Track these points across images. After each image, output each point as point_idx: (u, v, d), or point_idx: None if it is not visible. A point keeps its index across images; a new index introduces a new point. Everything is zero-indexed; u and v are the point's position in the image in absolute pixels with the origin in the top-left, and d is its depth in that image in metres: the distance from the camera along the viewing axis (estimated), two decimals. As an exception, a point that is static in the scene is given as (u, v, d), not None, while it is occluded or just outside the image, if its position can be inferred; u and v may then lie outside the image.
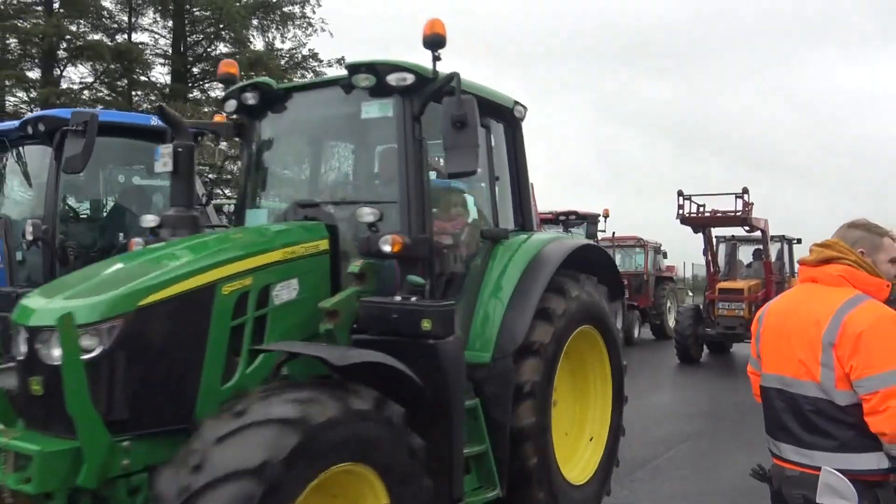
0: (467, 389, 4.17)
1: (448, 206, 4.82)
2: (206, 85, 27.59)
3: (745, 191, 13.84)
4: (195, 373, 3.41)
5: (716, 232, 15.64)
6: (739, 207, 14.03)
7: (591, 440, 5.29)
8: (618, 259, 20.75)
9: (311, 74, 28.14)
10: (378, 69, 4.18)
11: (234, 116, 4.97)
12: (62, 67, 24.36)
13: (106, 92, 25.04)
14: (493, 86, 4.95)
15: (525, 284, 4.56)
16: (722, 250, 16.58)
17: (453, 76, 3.97)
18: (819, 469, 2.62)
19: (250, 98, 4.72)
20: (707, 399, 11.43)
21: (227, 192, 24.54)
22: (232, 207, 13.91)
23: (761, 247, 15.51)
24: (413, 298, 3.93)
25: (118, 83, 25.38)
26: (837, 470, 2.58)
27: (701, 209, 14.47)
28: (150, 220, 4.43)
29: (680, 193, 14.16)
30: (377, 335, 3.86)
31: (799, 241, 16.70)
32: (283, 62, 27.33)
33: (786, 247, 16.58)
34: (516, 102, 5.20)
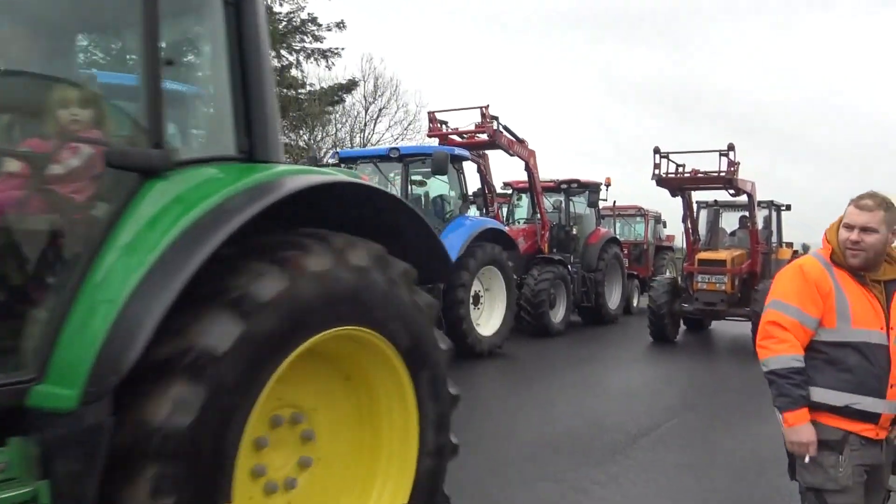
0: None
1: (49, 111, 2.71)
2: (204, 48, 27.22)
3: (731, 147, 11.94)
4: None
5: (697, 196, 13.98)
6: (724, 167, 12.11)
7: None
8: (618, 228, 20.72)
9: (310, 39, 27.79)
10: None
11: None
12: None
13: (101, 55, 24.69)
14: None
15: (179, 251, 2.40)
16: (703, 217, 14.55)
17: None
18: None
19: None
20: (706, 370, 11.44)
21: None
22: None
23: (747, 213, 13.67)
24: None
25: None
26: None
27: (680, 169, 12.64)
28: None
29: (656, 151, 12.38)
30: None
31: (788, 207, 14.80)
32: (281, 26, 26.93)
33: (774, 214, 14.48)
34: None
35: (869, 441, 3.02)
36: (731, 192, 12.73)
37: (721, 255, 13.19)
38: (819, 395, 3.02)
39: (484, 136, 13.21)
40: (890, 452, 3.13)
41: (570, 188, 15.87)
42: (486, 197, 12.83)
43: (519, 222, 16.10)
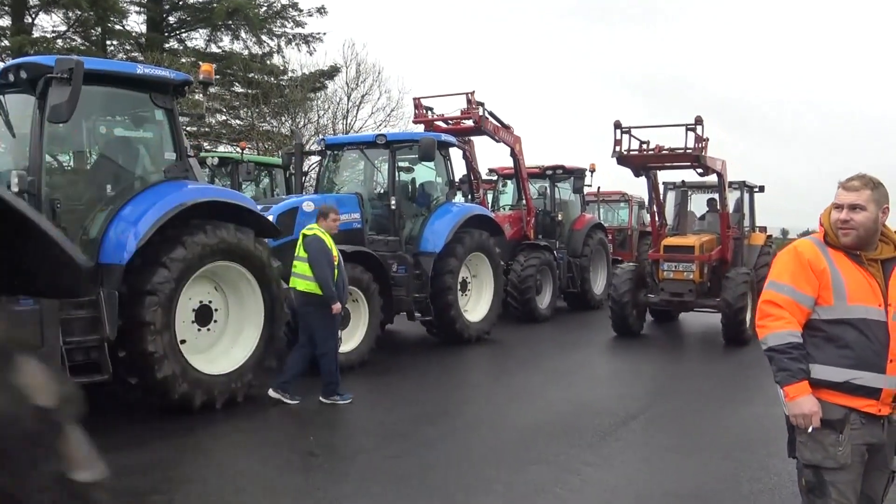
0: None
1: None
2: (183, 34, 26.89)
3: (699, 121, 10.68)
4: None
5: (664, 177, 12.82)
6: (691, 143, 10.80)
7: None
8: (602, 214, 20.81)
9: (291, 24, 27.55)
10: None
11: None
12: (34, 15, 23.58)
13: (80, 41, 24.30)
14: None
15: None
16: (671, 199, 13.38)
17: None
18: None
19: None
20: (692, 353, 11.57)
21: (205, 144, 24.14)
22: (216, 160, 13.75)
23: (717, 195, 12.50)
24: None
25: (92, 31, 24.64)
26: None
27: (644, 146, 11.31)
28: None
29: (617, 126, 11.04)
30: None
31: (762, 188, 14.03)
32: (261, 11, 26.65)
33: (746, 195, 13.53)
34: None
35: (870, 419, 3.07)
36: (700, 171, 11.63)
37: (689, 240, 11.97)
38: (819, 371, 3.08)
39: (470, 123, 13.19)
40: (892, 432, 3.17)
41: (556, 174, 15.90)
42: (472, 183, 12.82)
43: (504, 208, 16.12)
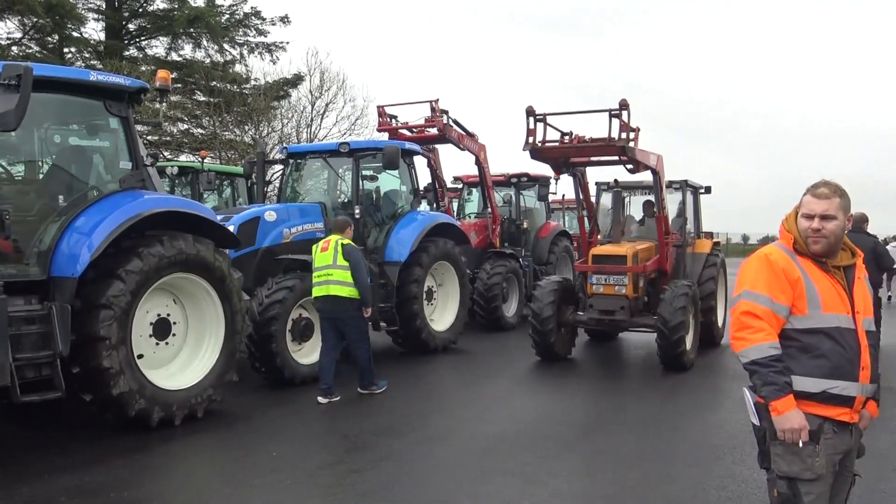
0: None
1: None
2: (143, 42, 26.48)
3: (624, 105, 8.85)
4: None
5: (596, 177, 11.40)
6: (615, 133, 8.93)
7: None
8: (567, 222, 20.88)
9: (254, 33, 27.29)
10: None
11: None
12: (-12, 22, 23.00)
13: (36, 48, 23.78)
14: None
15: None
16: (607, 202, 11.73)
17: None
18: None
19: None
20: (656, 361, 11.63)
21: (166, 153, 23.74)
22: (175, 169, 13.49)
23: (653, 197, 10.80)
24: None
25: (49, 39, 24.12)
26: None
27: (566, 139, 9.43)
28: None
29: (529, 113, 9.27)
30: None
31: (708, 189, 12.44)
32: (223, 19, 26.36)
33: (690, 197, 11.87)
34: None
35: (841, 427, 3.07)
36: (630, 167, 9.61)
37: (620, 249, 10.27)
38: (797, 383, 3.04)
39: (434, 131, 13.15)
40: (857, 437, 3.18)
41: (520, 182, 15.90)
42: (437, 192, 12.76)
43: (470, 217, 16.08)
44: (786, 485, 3.06)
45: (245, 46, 27.30)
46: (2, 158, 6.71)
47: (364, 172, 10.87)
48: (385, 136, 13.52)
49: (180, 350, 7.22)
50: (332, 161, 10.99)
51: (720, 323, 12.00)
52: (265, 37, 27.39)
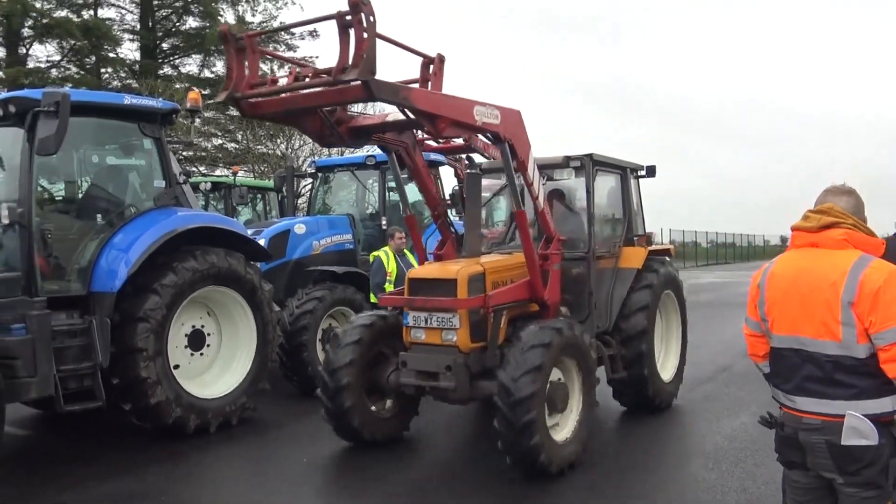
0: None
1: None
2: (177, 60, 27.14)
3: (442, 59, 6.02)
4: None
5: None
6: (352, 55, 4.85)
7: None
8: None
9: (283, 48, 27.79)
10: None
11: None
12: (28, 46, 23.82)
13: (74, 70, 24.58)
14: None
15: None
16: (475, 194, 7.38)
17: None
18: (840, 416, 2.89)
19: None
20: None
21: (202, 168, 24.28)
22: (208, 185, 13.85)
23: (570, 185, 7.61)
24: None
25: (87, 60, 24.87)
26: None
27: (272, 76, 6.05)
28: None
29: (225, 38, 5.65)
30: None
31: (651, 170, 8.23)
32: (254, 36, 26.86)
33: (614, 183, 7.94)
34: None
35: None
36: (428, 132, 5.94)
37: (449, 269, 6.22)
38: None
39: (459, 141, 13.27)
40: None
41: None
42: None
43: (498, 224, 16.15)
44: None
45: (275, 61, 27.78)
46: (43, 180, 7.04)
47: (390, 184, 11.07)
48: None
49: (214, 360, 7.49)
50: (359, 174, 11.20)
51: (667, 375, 7.85)
52: (294, 51, 27.90)
